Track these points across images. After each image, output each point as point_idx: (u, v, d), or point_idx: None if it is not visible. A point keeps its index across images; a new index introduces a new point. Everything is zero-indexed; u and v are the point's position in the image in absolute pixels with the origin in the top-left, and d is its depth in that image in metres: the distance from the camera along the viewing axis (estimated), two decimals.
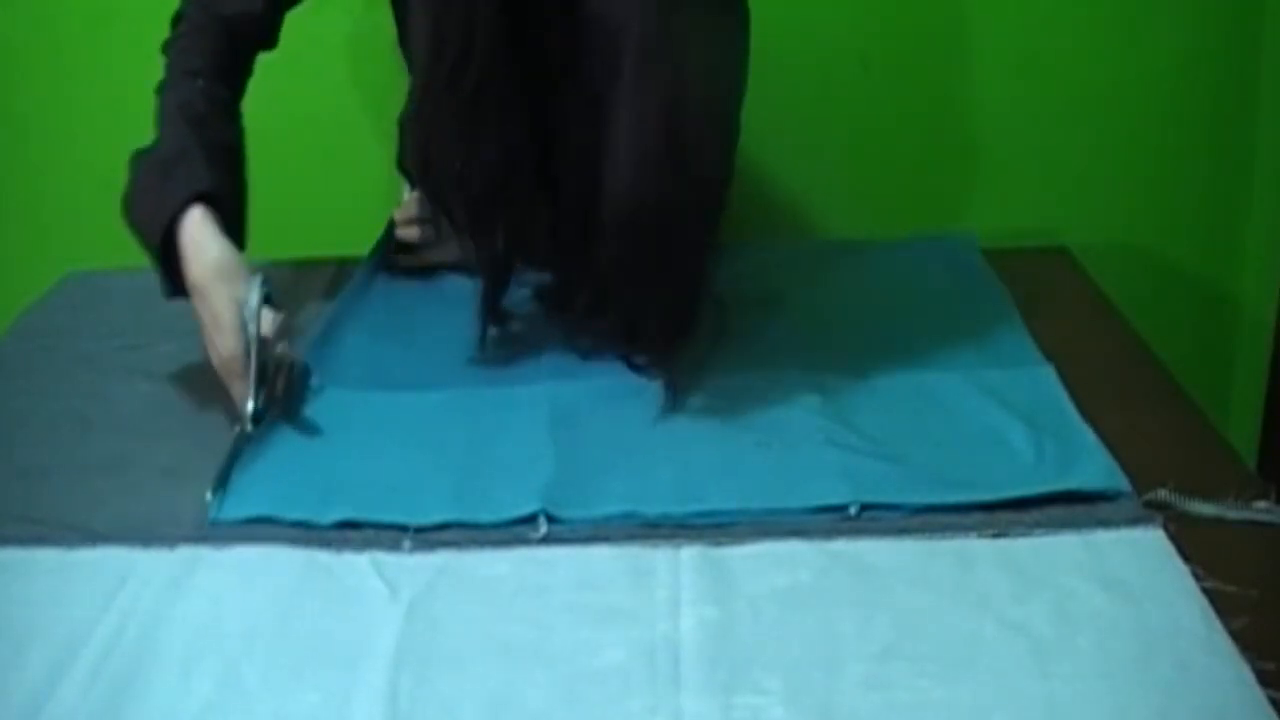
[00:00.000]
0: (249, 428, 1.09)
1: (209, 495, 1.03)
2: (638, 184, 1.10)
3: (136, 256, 1.22)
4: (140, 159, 1.20)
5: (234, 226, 1.19)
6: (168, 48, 1.27)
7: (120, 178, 1.19)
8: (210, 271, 1.13)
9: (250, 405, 1.09)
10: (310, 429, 1.14)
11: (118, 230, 1.20)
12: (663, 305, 1.18)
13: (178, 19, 1.28)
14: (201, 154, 1.18)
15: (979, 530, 0.96)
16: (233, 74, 1.28)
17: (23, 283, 1.54)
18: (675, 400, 1.15)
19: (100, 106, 1.70)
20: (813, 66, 1.68)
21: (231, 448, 1.08)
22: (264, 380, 1.11)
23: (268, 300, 1.13)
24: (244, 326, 1.11)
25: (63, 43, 1.71)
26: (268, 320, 1.12)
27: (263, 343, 1.11)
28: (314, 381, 1.21)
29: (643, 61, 1.08)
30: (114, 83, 1.66)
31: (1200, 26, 1.67)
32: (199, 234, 1.15)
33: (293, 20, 1.31)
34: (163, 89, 1.24)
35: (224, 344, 1.12)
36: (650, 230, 1.11)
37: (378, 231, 1.49)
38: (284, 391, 1.14)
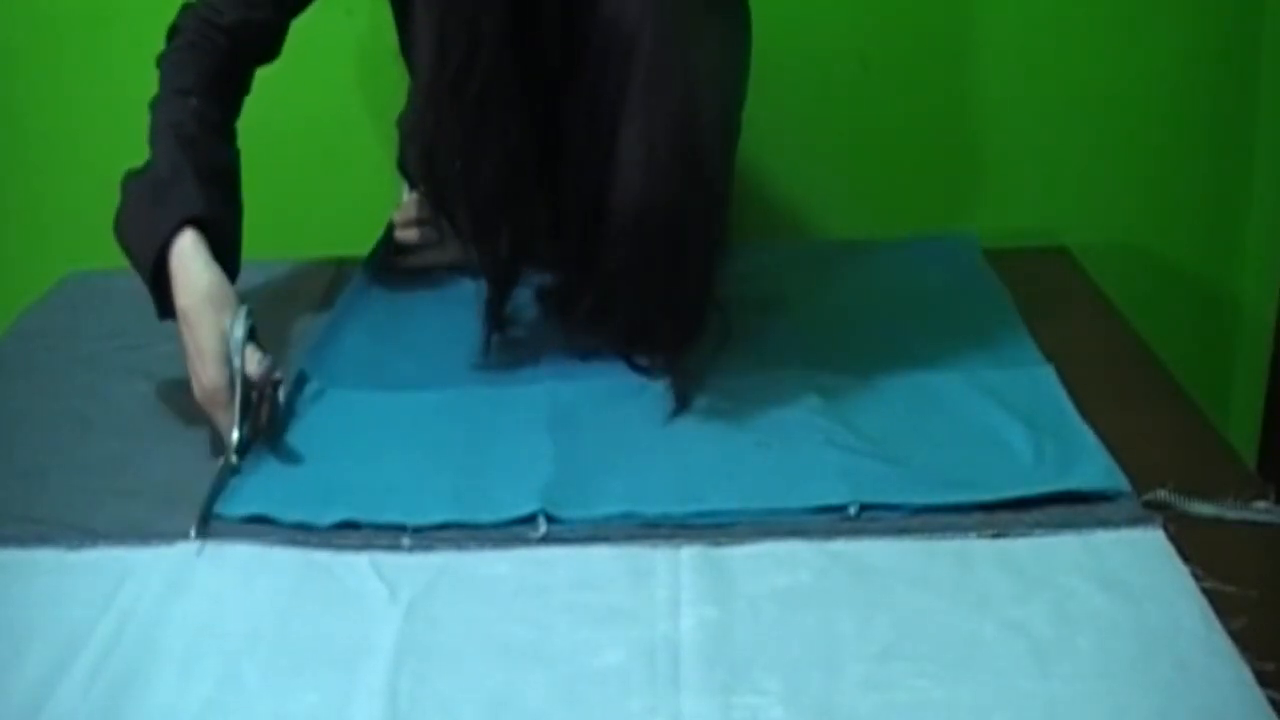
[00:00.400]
0: (233, 460, 1.07)
1: (192, 532, 1.00)
2: (649, 188, 1.09)
3: None
4: (132, 180, 1.18)
5: (226, 250, 1.17)
6: (162, 62, 1.24)
7: (120, 178, 1.19)
8: (198, 300, 1.11)
9: (235, 436, 1.07)
10: (298, 442, 1.12)
11: None
12: (671, 310, 1.18)
13: (173, 32, 1.26)
14: (193, 176, 1.16)
15: (979, 530, 0.96)
16: (227, 92, 1.26)
17: (23, 283, 1.55)
18: (682, 404, 1.14)
19: (100, 107, 1.70)
20: (813, 66, 1.68)
21: (215, 480, 1.05)
22: (248, 412, 1.09)
23: (253, 334, 1.11)
24: (229, 358, 1.09)
25: (63, 43, 1.71)
26: (253, 357, 1.10)
27: (246, 375, 1.09)
28: (314, 383, 1.21)
29: (656, 66, 1.07)
30: (114, 83, 1.66)
31: (1200, 26, 1.67)
32: (189, 260, 1.13)
33: (294, 21, 1.30)
34: (154, 106, 1.22)
35: (207, 375, 1.09)
36: (660, 234, 1.11)
37: (378, 232, 1.49)
38: (268, 422, 1.12)
